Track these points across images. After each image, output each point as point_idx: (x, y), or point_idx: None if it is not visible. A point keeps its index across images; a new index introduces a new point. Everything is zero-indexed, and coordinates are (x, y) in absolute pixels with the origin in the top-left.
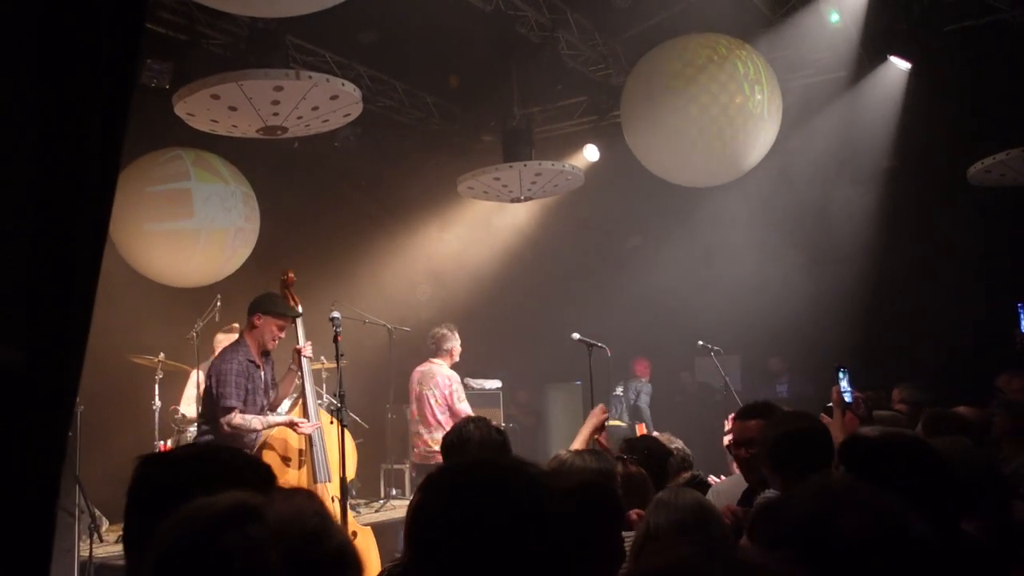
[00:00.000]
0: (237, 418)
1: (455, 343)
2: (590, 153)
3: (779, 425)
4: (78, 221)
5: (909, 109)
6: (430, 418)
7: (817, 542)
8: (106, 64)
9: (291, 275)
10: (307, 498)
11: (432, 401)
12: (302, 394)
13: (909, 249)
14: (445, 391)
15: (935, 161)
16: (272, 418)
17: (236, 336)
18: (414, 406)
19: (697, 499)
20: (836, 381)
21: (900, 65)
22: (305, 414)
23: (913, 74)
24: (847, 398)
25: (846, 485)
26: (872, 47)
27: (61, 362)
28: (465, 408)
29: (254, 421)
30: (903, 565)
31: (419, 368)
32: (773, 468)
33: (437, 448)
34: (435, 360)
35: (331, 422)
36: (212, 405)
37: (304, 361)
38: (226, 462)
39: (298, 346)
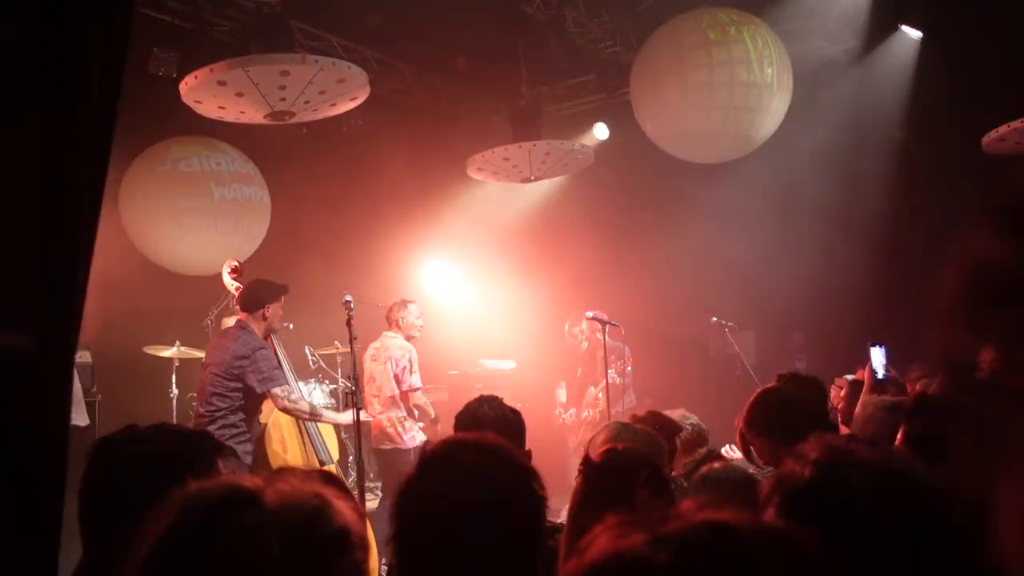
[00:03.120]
0: (294, 394)
1: (407, 315)
2: (600, 131)
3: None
4: (75, 210)
5: (921, 79)
6: (383, 396)
7: (827, 502)
8: (99, 53)
9: (238, 264)
10: (305, 479)
11: (384, 377)
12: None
13: (922, 220)
14: (399, 364)
15: (948, 131)
16: (327, 413)
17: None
18: (367, 389)
19: (744, 473)
20: (868, 358)
21: (911, 34)
22: None
23: (924, 43)
24: (880, 376)
25: (844, 443)
26: (883, 17)
27: (60, 346)
28: (416, 382)
29: (302, 403)
30: (912, 509)
31: (372, 344)
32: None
33: (393, 431)
34: (388, 333)
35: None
36: (242, 393)
37: (274, 337)
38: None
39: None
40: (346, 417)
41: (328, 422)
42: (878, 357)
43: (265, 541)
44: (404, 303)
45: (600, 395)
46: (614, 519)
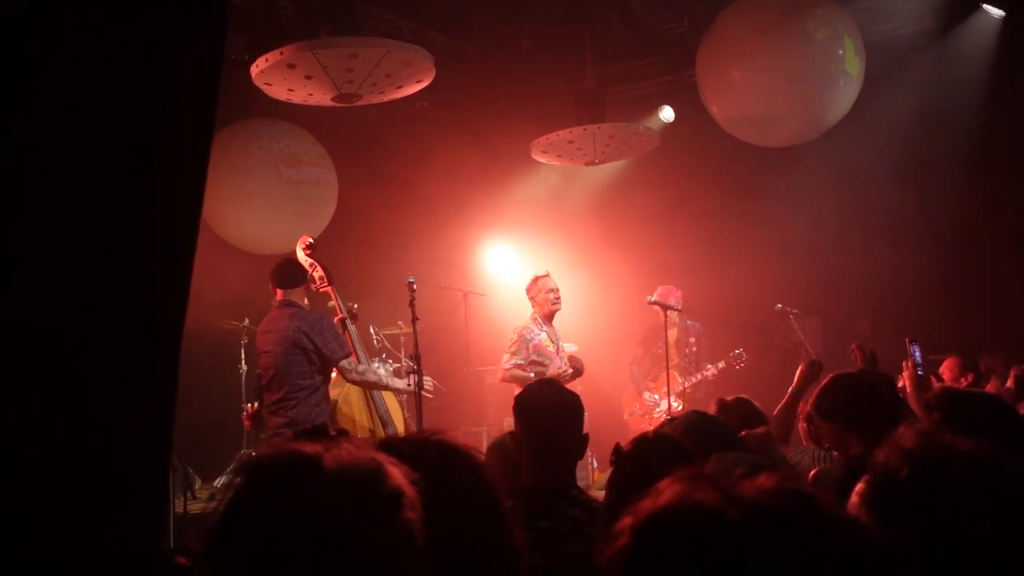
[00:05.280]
0: (361, 364)
1: (534, 291)
2: (666, 114)
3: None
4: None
5: (1003, 60)
6: None
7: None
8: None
9: (312, 240)
10: (361, 446)
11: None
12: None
13: (999, 209)
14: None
15: None
16: (393, 380)
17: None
18: None
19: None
20: (909, 355)
21: (994, 13)
22: None
23: (1008, 22)
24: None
25: (941, 436)
26: None
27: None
28: (504, 361)
29: (369, 374)
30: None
31: None
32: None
33: None
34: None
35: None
36: (319, 364)
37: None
38: None
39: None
40: (401, 383)
41: (395, 389)
42: (916, 354)
43: (326, 502)
44: (535, 280)
45: (685, 385)
46: (687, 472)
